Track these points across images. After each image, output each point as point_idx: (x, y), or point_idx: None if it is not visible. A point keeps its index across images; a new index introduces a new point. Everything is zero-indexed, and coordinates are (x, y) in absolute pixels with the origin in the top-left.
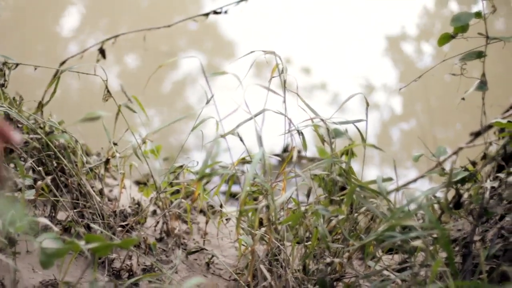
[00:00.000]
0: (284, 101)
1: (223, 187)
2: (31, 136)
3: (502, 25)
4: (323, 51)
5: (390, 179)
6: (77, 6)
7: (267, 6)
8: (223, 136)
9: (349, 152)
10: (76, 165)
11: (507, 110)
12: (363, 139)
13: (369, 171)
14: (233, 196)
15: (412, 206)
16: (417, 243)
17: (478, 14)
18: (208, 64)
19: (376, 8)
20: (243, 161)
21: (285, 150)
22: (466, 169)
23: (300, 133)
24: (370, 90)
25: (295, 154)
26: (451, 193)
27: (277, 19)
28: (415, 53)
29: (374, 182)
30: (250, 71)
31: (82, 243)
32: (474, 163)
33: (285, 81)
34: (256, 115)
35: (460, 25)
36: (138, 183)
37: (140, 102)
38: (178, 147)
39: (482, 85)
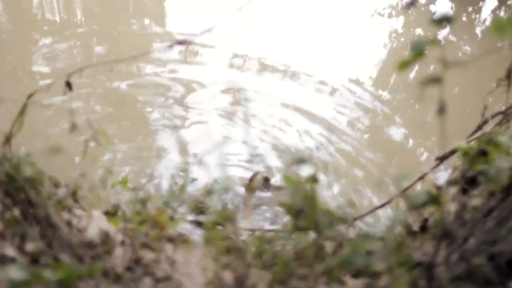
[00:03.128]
0: (247, 130)
1: (192, 215)
2: None
3: (471, 49)
4: (300, 67)
5: (353, 204)
6: (47, 40)
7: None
8: (185, 166)
9: (312, 179)
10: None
11: (471, 134)
12: (326, 166)
13: (339, 196)
14: (200, 224)
15: (378, 230)
16: (380, 266)
17: (434, 40)
18: (184, 86)
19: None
20: (209, 190)
21: (252, 178)
22: (429, 193)
23: (263, 160)
24: (339, 115)
25: (258, 182)
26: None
27: (245, 37)
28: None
29: (338, 208)
30: (225, 94)
31: (49, 273)
32: (439, 188)
33: (247, 110)
34: (219, 145)
35: (418, 51)
36: (107, 213)
37: (107, 133)
38: (148, 176)
39: (441, 110)
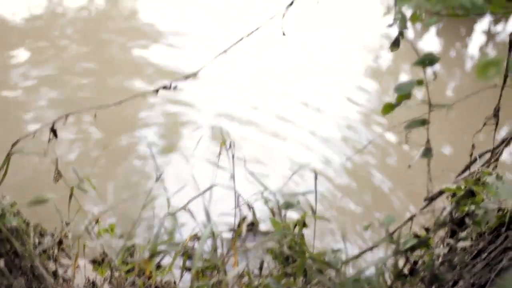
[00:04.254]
0: (233, 176)
1: (181, 262)
2: None
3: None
4: (284, 114)
5: (339, 250)
6: (33, 85)
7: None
8: (171, 214)
9: (299, 224)
10: (32, 246)
11: (459, 174)
12: (313, 211)
13: (329, 239)
14: (188, 269)
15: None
16: None
17: (420, 82)
18: (169, 130)
19: (335, 72)
20: (196, 237)
21: (239, 223)
22: (417, 236)
23: (250, 207)
24: (328, 157)
25: (244, 229)
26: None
27: (232, 82)
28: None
29: (325, 253)
30: (210, 140)
31: None
32: (427, 230)
33: (233, 156)
34: (204, 192)
35: (403, 94)
36: (94, 262)
37: (92, 181)
38: (136, 224)
39: (427, 152)
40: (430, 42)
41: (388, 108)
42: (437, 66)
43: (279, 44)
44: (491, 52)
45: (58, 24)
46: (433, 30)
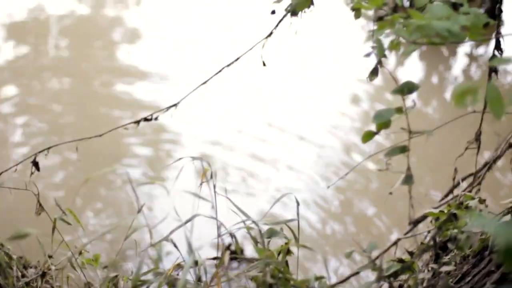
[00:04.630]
0: (215, 206)
1: None
2: None
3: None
4: (264, 144)
5: (322, 277)
6: (16, 116)
7: (202, 103)
8: (154, 244)
9: (283, 252)
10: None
11: (443, 198)
12: (296, 239)
13: (312, 265)
14: None
15: None
16: None
17: (399, 110)
18: (151, 164)
19: (314, 103)
20: (179, 267)
21: (223, 252)
22: (401, 261)
23: (233, 236)
24: (310, 183)
25: (227, 257)
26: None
27: (215, 112)
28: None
29: (308, 281)
30: (193, 171)
31: None
32: (411, 254)
33: (214, 186)
34: (186, 222)
35: (383, 122)
36: None
37: (75, 212)
38: (120, 254)
39: (408, 179)
40: (412, 67)
41: (368, 136)
42: (419, 91)
43: (260, 72)
44: (475, 75)
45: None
46: (415, 54)
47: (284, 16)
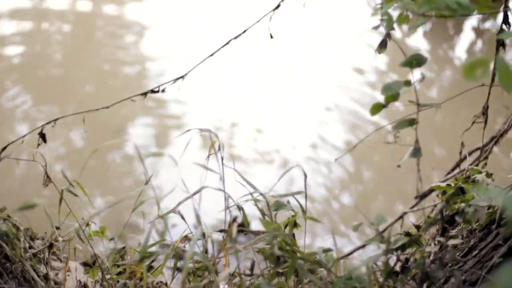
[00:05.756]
0: (222, 178)
1: (172, 263)
2: None
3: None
4: (271, 118)
5: (330, 249)
6: (23, 87)
7: (207, 78)
8: (161, 216)
9: (290, 224)
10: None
11: (449, 172)
12: (304, 211)
13: (319, 238)
14: (180, 271)
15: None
16: None
17: (407, 83)
18: (158, 135)
19: (321, 71)
20: (186, 239)
21: (230, 224)
22: (408, 234)
23: (240, 208)
24: (316, 157)
25: (234, 230)
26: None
27: (221, 88)
28: (360, 119)
29: (316, 253)
30: (199, 143)
31: None
32: (418, 227)
33: (222, 158)
34: (194, 194)
35: (391, 94)
36: (85, 264)
37: (82, 184)
38: (127, 226)
39: (416, 152)
40: (419, 41)
41: (376, 109)
42: (426, 65)
43: (267, 45)
44: (481, 49)
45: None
46: (421, 29)
47: None
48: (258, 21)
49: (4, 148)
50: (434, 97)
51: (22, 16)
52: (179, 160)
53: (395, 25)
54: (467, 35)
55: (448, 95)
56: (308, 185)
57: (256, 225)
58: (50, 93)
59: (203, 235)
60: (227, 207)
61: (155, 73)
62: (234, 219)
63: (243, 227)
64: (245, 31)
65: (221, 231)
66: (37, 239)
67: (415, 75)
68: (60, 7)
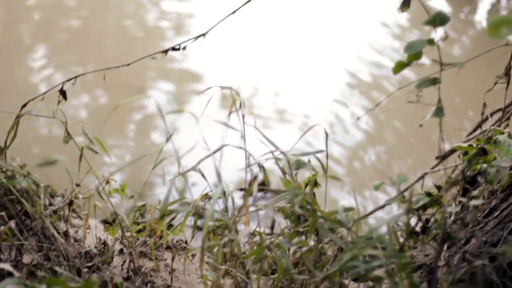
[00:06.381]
0: (243, 136)
1: (192, 222)
2: None
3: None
4: (291, 78)
5: (351, 208)
6: (43, 45)
7: (227, 40)
8: (182, 174)
9: (311, 183)
10: (43, 207)
11: (471, 133)
12: (324, 170)
13: (340, 199)
14: (200, 230)
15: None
16: (380, 271)
17: (430, 41)
18: (177, 95)
19: (342, 32)
20: (207, 197)
21: (250, 183)
22: (429, 194)
23: (261, 166)
24: (337, 117)
25: (255, 188)
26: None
27: (242, 50)
28: (383, 79)
29: (337, 212)
30: (219, 103)
31: (44, 287)
32: (439, 188)
33: (243, 116)
34: (215, 152)
35: (414, 53)
36: (105, 222)
37: (102, 142)
38: (147, 184)
39: (439, 111)
40: (441, 3)
41: (399, 67)
42: (449, 25)
43: (285, 5)
44: (503, 11)
45: None
46: None
47: None
48: None
49: (25, 105)
50: (457, 57)
51: None
52: (200, 118)
53: None
54: None
55: (470, 55)
56: (330, 145)
57: (277, 184)
58: (71, 48)
59: (224, 193)
60: (247, 166)
61: (176, 31)
62: (255, 178)
63: (264, 185)
64: None
65: (241, 189)
66: (57, 196)
67: (438, 33)
68: None
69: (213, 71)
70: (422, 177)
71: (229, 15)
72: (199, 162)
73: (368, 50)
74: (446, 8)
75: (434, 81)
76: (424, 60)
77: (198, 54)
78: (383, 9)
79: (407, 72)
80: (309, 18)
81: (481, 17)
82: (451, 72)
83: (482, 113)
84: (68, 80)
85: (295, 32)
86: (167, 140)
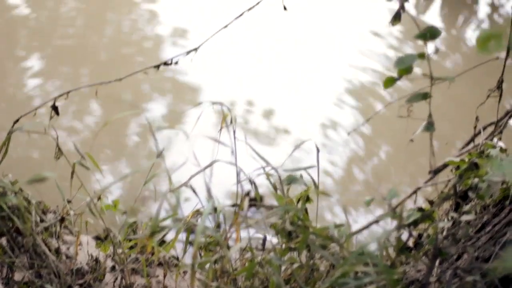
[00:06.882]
0: (234, 152)
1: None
2: None
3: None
4: (285, 92)
5: (342, 225)
6: (36, 60)
7: (222, 53)
8: (173, 190)
9: (302, 199)
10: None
11: (463, 147)
12: (316, 185)
13: (332, 214)
14: (192, 245)
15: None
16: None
17: (421, 56)
18: (171, 110)
19: (336, 46)
20: (198, 213)
21: (242, 198)
22: (421, 209)
23: (252, 182)
24: (329, 132)
25: (246, 204)
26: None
27: (236, 63)
28: (373, 95)
29: (328, 228)
30: (213, 118)
31: None
32: (431, 202)
33: (234, 131)
34: (205, 168)
35: (404, 67)
36: (97, 238)
37: (95, 157)
38: (139, 199)
39: (429, 126)
40: (433, 16)
41: (389, 82)
42: (439, 39)
43: (280, 18)
44: (496, 23)
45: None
46: (437, 2)
47: None
48: None
49: (17, 120)
50: (449, 70)
51: None
52: (191, 134)
53: None
54: (483, 8)
55: (463, 68)
56: (321, 160)
57: (268, 199)
58: (64, 60)
59: (215, 209)
60: (239, 181)
61: (170, 44)
62: (247, 194)
63: (255, 201)
64: (258, 2)
65: (233, 205)
66: (50, 212)
67: (429, 47)
68: None
69: (208, 85)
70: (414, 192)
71: (221, 29)
72: (190, 178)
73: (362, 60)
74: (438, 24)
75: (425, 96)
76: (417, 70)
77: (194, 67)
78: (376, 20)
79: (400, 84)
80: (303, 31)
81: (476, 25)
82: (445, 84)
83: (475, 127)
84: (60, 96)
85: (289, 44)
86: (158, 156)
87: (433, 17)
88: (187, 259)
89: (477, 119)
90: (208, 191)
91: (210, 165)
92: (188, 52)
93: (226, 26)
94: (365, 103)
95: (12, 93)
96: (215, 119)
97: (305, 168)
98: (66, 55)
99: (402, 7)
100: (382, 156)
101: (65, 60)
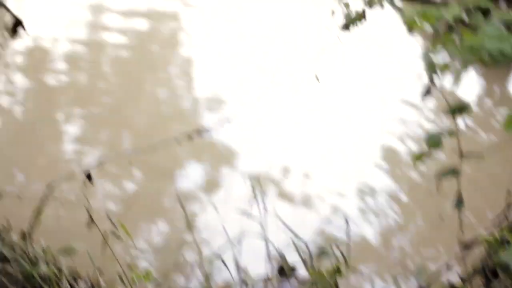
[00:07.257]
0: (263, 227)
1: None
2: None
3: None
4: (321, 157)
5: None
6: (73, 117)
7: (259, 119)
8: (204, 262)
9: (333, 272)
10: None
11: (495, 222)
12: (346, 261)
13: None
14: None
15: None
16: None
17: (451, 132)
18: (205, 177)
19: (369, 111)
20: (228, 286)
21: (280, 271)
22: (452, 286)
23: (282, 257)
24: (360, 205)
25: (278, 277)
26: None
27: (271, 127)
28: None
29: None
30: (244, 188)
31: None
32: (463, 279)
33: (265, 206)
34: (236, 241)
35: (434, 143)
36: None
37: (129, 225)
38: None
39: (459, 203)
40: (467, 87)
41: (418, 158)
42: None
43: (313, 88)
44: None
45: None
46: (472, 73)
47: None
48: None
49: (50, 186)
50: (482, 141)
51: (75, 42)
52: (224, 206)
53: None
54: None
55: (496, 141)
56: (353, 231)
57: (300, 269)
58: (102, 124)
59: (246, 284)
60: (269, 256)
61: (206, 109)
62: (280, 270)
63: (287, 273)
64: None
65: (264, 280)
66: (80, 278)
67: (459, 122)
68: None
69: (243, 151)
70: (446, 267)
71: (254, 100)
72: (221, 252)
73: (401, 129)
74: (474, 90)
75: (454, 173)
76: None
77: (231, 131)
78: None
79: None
80: (339, 97)
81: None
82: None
83: (508, 203)
84: (95, 167)
85: (326, 110)
86: (189, 228)
87: (467, 87)
88: None
89: (508, 193)
90: (237, 265)
91: (240, 239)
92: (221, 123)
93: (259, 99)
94: (401, 171)
95: (50, 154)
96: (247, 188)
97: (336, 244)
98: (104, 121)
99: (432, 82)
100: (412, 230)
101: (103, 121)
